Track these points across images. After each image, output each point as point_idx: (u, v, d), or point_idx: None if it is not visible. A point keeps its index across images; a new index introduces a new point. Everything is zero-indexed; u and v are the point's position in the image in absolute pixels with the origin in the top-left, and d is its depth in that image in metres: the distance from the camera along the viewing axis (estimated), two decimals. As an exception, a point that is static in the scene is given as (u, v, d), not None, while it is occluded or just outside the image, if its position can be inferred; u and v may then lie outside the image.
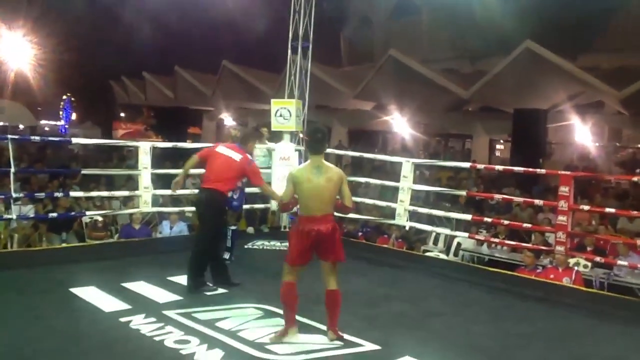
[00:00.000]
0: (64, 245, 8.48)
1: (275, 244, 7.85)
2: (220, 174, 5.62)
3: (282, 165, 8.59)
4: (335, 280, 4.43)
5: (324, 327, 4.59)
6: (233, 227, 6.75)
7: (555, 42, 14.96)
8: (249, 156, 5.80)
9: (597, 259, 7.09)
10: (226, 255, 6.54)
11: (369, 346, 4.31)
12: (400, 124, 21.26)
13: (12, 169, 6.66)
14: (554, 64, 13.99)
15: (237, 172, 5.69)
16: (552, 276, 6.88)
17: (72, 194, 8.39)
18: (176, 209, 8.79)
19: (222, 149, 5.81)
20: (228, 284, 5.69)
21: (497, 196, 9.00)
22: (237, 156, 5.68)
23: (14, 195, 6.79)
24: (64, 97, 37.09)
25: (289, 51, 9.44)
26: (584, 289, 6.68)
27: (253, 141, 6.14)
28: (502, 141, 22.55)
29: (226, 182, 5.65)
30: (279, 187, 8.52)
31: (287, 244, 7.72)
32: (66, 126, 36.84)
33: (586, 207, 7.62)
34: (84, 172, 9.49)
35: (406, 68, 17.30)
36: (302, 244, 4.35)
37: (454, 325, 5.01)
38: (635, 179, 9.57)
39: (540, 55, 14.05)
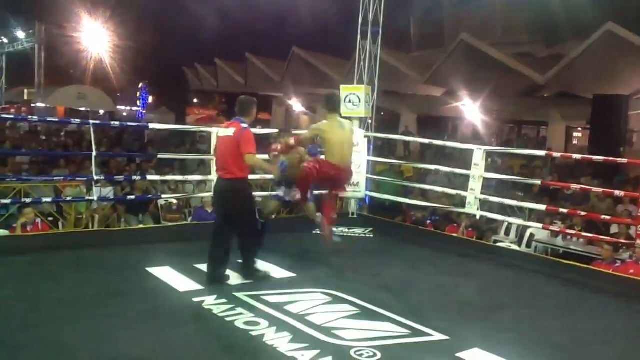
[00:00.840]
0: (140, 226, 8.85)
1: (343, 230, 7.87)
2: (223, 161, 5.28)
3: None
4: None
5: (391, 315, 4.60)
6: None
7: (637, 23, 14.11)
8: (243, 125, 5.23)
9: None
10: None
11: (437, 336, 4.27)
12: (471, 110, 20.73)
13: (94, 153, 7.00)
14: (637, 46, 13.22)
15: (235, 148, 5.16)
16: (631, 271, 6.57)
17: (149, 177, 8.72)
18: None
19: (221, 131, 5.45)
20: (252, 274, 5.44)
21: (574, 186, 8.64)
22: (231, 131, 5.22)
23: (95, 177, 7.12)
24: (141, 83, 38.45)
25: (359, 36, 9.39)
26: (666, 285, 6.34)
27: (253, 108, 5.44)
28: (580, 129, 21.57)
29: (232, 167, 5.20)
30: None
31: (355, 230, 7.83)
32: (143, 112, 38.21)
33: (671, 199, 7.20)
34: (159, 156, 9.85)
35: (478, 52, 16.83)
36: (324, 179, 5.94)
37: (524, 318, 4.89)
38: None
39: (622, 37, 13.31)
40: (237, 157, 5.15)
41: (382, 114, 21.80)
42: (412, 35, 28.11)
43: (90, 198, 7.90)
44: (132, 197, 8.87)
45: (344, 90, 8.90)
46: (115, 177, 8.67)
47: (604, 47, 13.68)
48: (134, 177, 8.72)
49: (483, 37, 17.88)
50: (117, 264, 5.75)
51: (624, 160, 8.41)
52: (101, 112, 29.58)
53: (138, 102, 38.91)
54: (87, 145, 7.95)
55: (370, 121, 9.34)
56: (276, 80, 26.14)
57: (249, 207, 5.40)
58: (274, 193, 7.02)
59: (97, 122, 7.92)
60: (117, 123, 9.24)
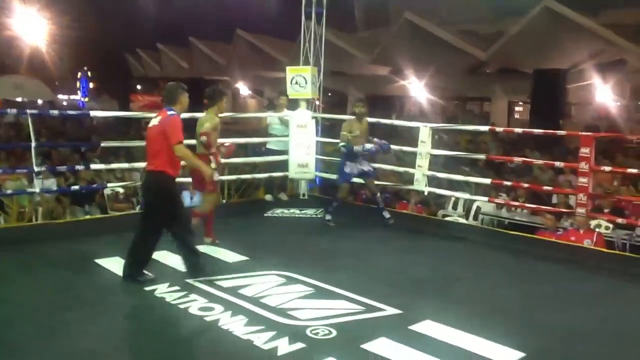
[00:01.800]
0: (87, 217, 8.61)
1: (295, 212, 7.89)
2: (149, 153, 4.86)
3: (299, 133, 8.58)
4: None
5: (345, 293, 4.66)
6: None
7: (574, -2, 14.57)
8: (170, 112, 4.84)
9: (619, 220, 7.02)
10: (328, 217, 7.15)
11: (390, 310, 4.35)
12: (417, 88, 21.02)
13: (33, 144, 6.75)
14: (574, 21, 13.67)
15: (160, 139, 4.74)
16: (573, 238, 6.85)
17: (93, 166, 8.47)
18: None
19: (151, 121, 4.97)
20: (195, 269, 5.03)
21: (517, 159, 8.92)
22: (157, 120, 4.85)
23: (35, 169, 6.87)
24: (80, 71, 37.21)
25: (303, 17, 9.32)
26: (605, 250, 6.65)
27: (182, 94, 4.99)
28: (521, 103, 22.21)
29: (156, 159, 4.78)
30: (296, 154, 8.56)
31: (306, 211, 7.86)
32: (84, 100, 37.05)
33: (607, 168, 7.50)
34: (103, 144, 9.58)
35: (422, 31, 17.03)
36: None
37: (475, 289, 5.04)
38: (658, 138, 9.39)
39: (559, 13, 13.72)
40: (164, 149, 4.71)
41: (330, 94, 21.84)
42: (357, 16, 28.15)
43: (32, 190, 7.61)
44: (76, 187, 8.61)
45: (290, 72, 8.85)
46: (57, 167, 8.38)
47: (542, 23, 14.07)
48: (77, 167, 8.44)
49: (427, 16, 18.06)
50: (64, 258, 5.59)
51: (563, 133, 8.71)
52: (40, 101, 28.52)
53: (78, 91, 37.67)
54: (25, 136, 7.63)
55: (317, 102, 9.33)
56: (222, 64, 25.76)
57: (170, 204, 4.86)
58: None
59: (35, 111, 7.61)
60: (56, 112, 8.87)
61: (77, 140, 15.04)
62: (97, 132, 17.39)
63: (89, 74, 38.06)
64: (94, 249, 5.75)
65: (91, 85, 38.75)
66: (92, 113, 9.28)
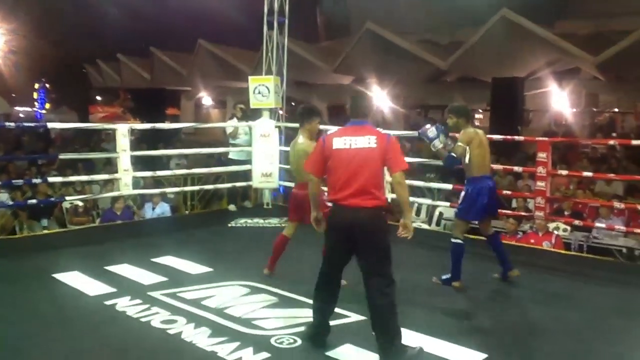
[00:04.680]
0: (45, 232, 8.40)
1: (259, 221, 7.85)
2: (353, 180, 3.71)
3: (262, 142, 8.57)
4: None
5: (309, 301, 4.62)
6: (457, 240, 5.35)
7: (531, 9, 14.96)
8: (383, 132, 4.09)
9: (576, 222, 7.21)
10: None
11: (354, 317, 4.38)
12: (379, 97, 21.22)
13: (-13, 157, 6.57)
14: (530, 31, 14.02)
15: (377, 166, 3.76)
16: (532, 241, 7.00)
17: (51, 179, 8.28)
18: (157, 190, 8.72)
19: (339, 140, 3.80)
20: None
21: (477, 165, 9.04)
22: (368, 141, 3.75)
23: (-9, 183, 6.69)
24: (38, 83, 36.41)
25: (265, 27, 9.34)
26: (563, 252, 6.83)
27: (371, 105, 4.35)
28: (480, 110, 22.66)
29: (371, 189, 3.72)
30: (260, 164, 8.53)
31: (270, 220, 7.82)
32: (41, 112, 36.22)
33: (564, 172, 7.72)
34: (61, 157, 9.38)
35: (383, 40, 17.22)
36: None
37: (437, 294, 5.09)
38: (611, 142, 9.69)
39: (516, 23, 14.07)
40: (378, 176, 3.76)
41: (293, 104, 21.86)
42: (319, 25, 28.32)
43: (-13, 205, 7.41)
44: (34, 201, 8.39)
45: (253, 82, 8.85)
46: (14, 181, 8.16)
47: (500, 33, 14.39)
48: (34, 180, 8.24)
49: (388, 26, 18.27)
50: (20, 273, 5.44)
51: (521, 138, 8.90)
52: (-5, 114, 27.74)
53: (36, 103, 36.82)
54: (-20, 149, 7.42)
55: (281, 111, 9.33)
56: (183, 74, 25.49)
57: (388, 250, 3.86)
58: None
59: (-11, 124, 7.41)
60: (12, 124, 8.66)
61: (35, 153, 14.69)
62: (56, 145, 17.01)
63: (47, 85, 37.23)
64: (52, 264, 5.61)
65: (50, 97, 37.92)
66: (50, 125, 9.10)
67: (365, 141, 3.72)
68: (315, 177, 3.91)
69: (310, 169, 3.92)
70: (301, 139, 5.14)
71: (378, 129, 3.93)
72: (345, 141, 3.75)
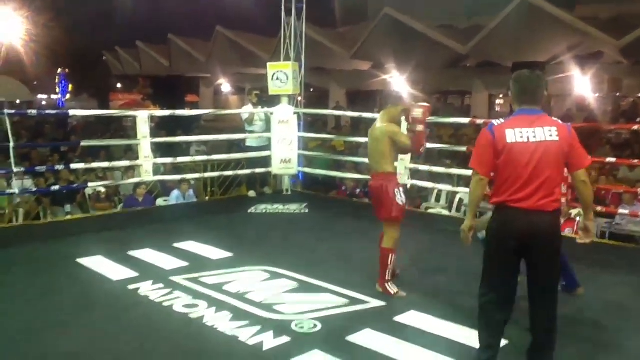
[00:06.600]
0: (68, 217, 8.53)
1: (278, 207, 7.88)
2: (529, 180, 3.17)
3: (281, 128, 8.57)
4: (387, 237, 4.73)
5: (329, 286, 4.67)
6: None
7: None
8: (563, 123, 3.28)
9: (599, 208, 7.12)
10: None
11: (374, 302, 4.39)
12: (398, 82, 21.08)
13: (11, 144, 6.66)
14: (552, 15, 13.81)
15: (559, 162, 3.23)
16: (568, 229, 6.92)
17: (73, 166, 8.38)
18: (178, 177, 8.75)
19: (513, 132, 3.18)
20: None
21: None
22: (549, 133, 3.18)
23: (14, 170, 6.79)
24: (59, 70, 36.73)
25: (283, 13, 9.30)
26: (585, 238, 6.72)
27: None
28: (501, 96, 22.40)
29: (552, 189, 3.22)
30: (279, 150, 8.55)
31: (289, 206, 7.85)
32: (63, 100, 36.59)
33: (587, 158, 7.60)
34: (83, 143, 9.48)
35: (402, 25, 17.09)
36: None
37: (458, 280, 5.07)
38: (635, 127, 9.52)
39: (537, 6, 13.86)
40: (561, 174, 3.31)
41: (312, 90, 21.83)
42: (336, 11, 28.15)
43: (11, 191, 7.52)
44: (57, 187, 8.52)
45: (271, 68, 8.84)
46: (37, 167, 8.28)
47: (521, 17, 14.20)
48: (57, 167, 8.35)
49: (406, 11, 18.11)
50: (45, 258, 5.53)
51: (543, 124, 8.79)
52: (17, 101, 28.10)
53: (57, 90, 37.18)
54: (3, 137, 7.51)
55: (299, 98, 9.33)
56: (202, 61, 25.59)
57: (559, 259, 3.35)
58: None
59: (12, 111, 7.51)
60: (34, 112, 8.76)
61: (57, 140, 14.89)
62: (77, 132, 17.21)
63: (68, 73, 37.55)
64: (76, 249, 5.69)
65: (70, 84, 38.25)
66: (72, 112, 9.19)
67: (546, 133, 3.15)
68: (483, 176, 3.30)
69: (477, 166, 3.30)
70: (379, 124, 4.76)
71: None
72: (522, 133, 3.15)
